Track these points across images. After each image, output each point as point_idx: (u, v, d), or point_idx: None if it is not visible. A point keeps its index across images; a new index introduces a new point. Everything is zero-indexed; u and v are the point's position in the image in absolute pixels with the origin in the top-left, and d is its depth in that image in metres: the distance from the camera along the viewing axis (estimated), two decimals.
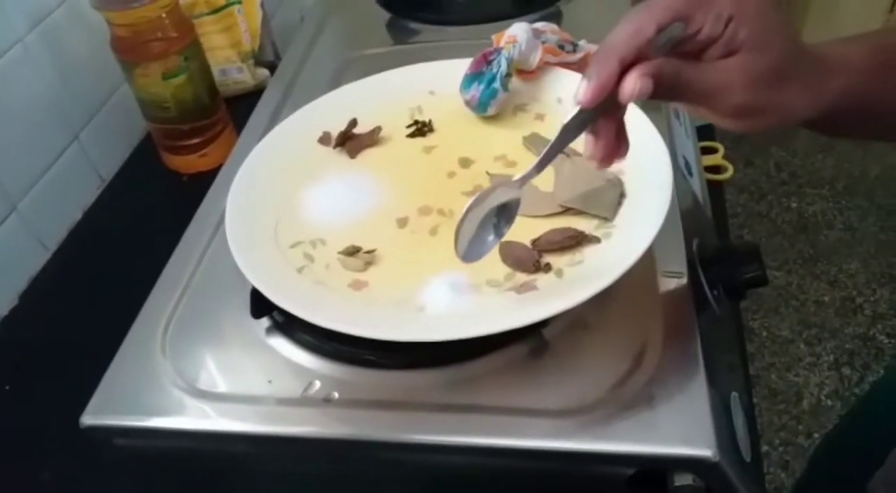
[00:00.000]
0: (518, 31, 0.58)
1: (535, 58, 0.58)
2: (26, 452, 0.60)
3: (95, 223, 0.81)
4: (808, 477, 0.80)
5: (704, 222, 0.62)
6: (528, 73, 0.59)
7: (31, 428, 0.61)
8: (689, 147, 0.66)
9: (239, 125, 0.79)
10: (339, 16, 0.85)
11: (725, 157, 0.85)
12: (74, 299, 0.72)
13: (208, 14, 0.89)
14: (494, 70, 0.57)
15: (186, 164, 0.83)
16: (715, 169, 0.84)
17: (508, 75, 0.57)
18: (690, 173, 0.62)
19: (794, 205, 1.93)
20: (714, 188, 0.73)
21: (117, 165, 0.87)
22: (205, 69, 0.80)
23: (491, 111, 0.57)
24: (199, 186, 0.62)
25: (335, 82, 0.63)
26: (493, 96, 0.57)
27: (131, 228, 0.78)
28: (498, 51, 0.57)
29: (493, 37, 0.60)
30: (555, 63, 0.60)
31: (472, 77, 0.58)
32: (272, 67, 0.94)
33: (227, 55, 0.92)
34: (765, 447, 1.44)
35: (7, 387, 0.64)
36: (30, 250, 0.75)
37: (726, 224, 0.76)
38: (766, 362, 1.59)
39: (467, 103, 0.58)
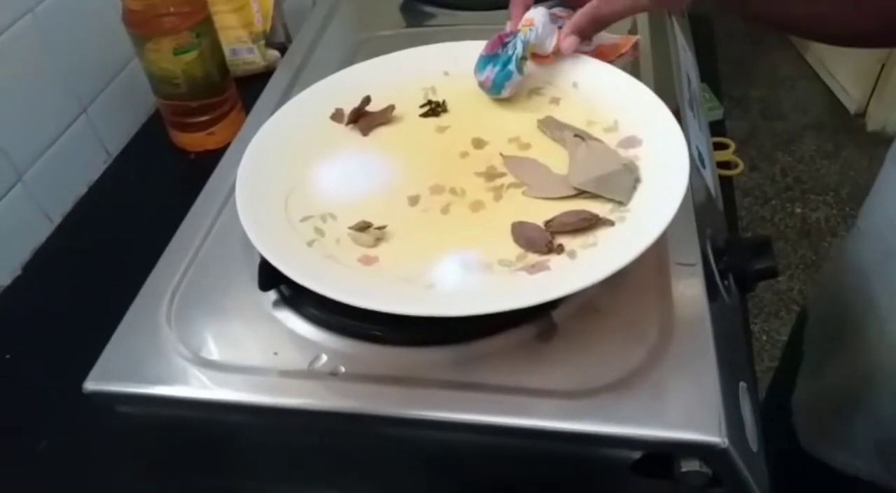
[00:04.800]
0: (535, 15, 0.57)
1: (552, 42, 0.57)
2: (24, 421, 0.59)
3: (100, 197, 0.81)
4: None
5: (716, 214, 0.61)
6: (544, 58, 0.58)
7: (31, 398, 0.61)
8: (702, 139, 0.66)
9: (248, 106, 0.79)
10: None
11: (736, 153, 0.85)
12: (77, 271, 0.72)
13: None
14: (510, 52, 0.56)
15: (194, 141, 0.83)
16: (725, 165, 0.83)
17: (524, 58, 0.56)
18: (704, 165, 0.62)
19: (797, 210, 1.93)
20: (724, 184, 0.72)
21: (124, 140, 0.87)
22: (216, 46, 0.80)
23: (505, 93, 0.57)
24: (205, 164, 0.62)
25: (346, 64, 0.63)
26: (507, 78, 0.56)
27: (136, 203, 0.78)
28: (514, 33, 0.57)
29: (509, 20, 0.60)
30: None
31: (487, 59, 0.57)
32: (283, 49, 0.94)
33: (238, 35, 0.92)
34: None
35: (7, 356, 0.64)
36: (34, 221, 0.75)
37: (736, 220, 0.76)
38: (766, 366, 1.58)
39: (481, 85, 0.58)
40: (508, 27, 0.58)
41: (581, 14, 0.55)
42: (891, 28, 0.51)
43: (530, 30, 0.57)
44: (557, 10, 0.61)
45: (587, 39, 0.57)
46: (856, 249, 0.66)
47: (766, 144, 2.13)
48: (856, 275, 0.64)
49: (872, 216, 0.65)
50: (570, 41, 0.55)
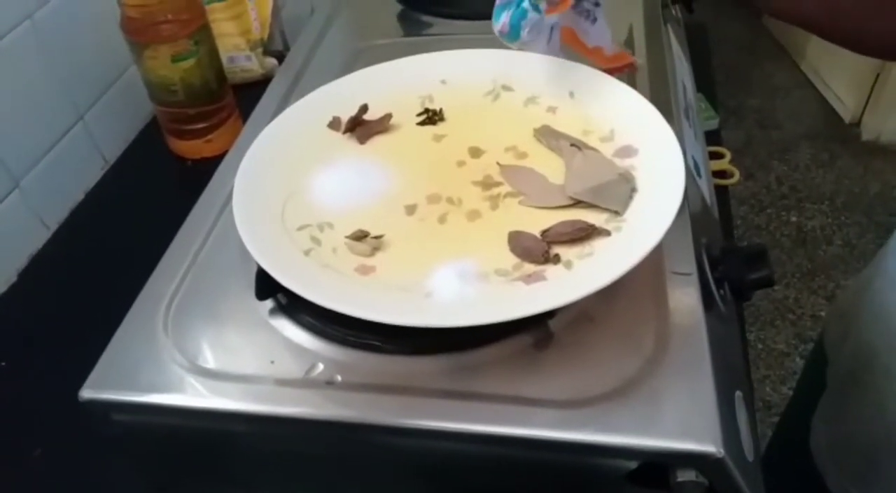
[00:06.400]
0: None
1: None
2: (20, 428, 0.59)
3: (97, 204, 0.81)
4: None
5: (712, 223, 0.61)
6: (560, 5, 0.56)
7: (26, 405, 0.61)
8: (698, 149, 0.66)
9: (245, 113, 0.79)
10: (350, 8, 0.85)
11: (732, 162, 0.85)
12: (73, 278, 0.72)
13: (219, 0, 0.89)
14: None
15: (191, 149, 0.83)
16: (721, 174, 0.83)
17: None
18: (699, 174, 0.62)
19: (793, 219, 1.94)
20: (719, 193, 0.72)
21: (122, 147, 0.87)
22: (214, 54, 0.80)
23: (525, 35, 0.53)
24: (202, 171, 0.62)
25: (344, 73, 0.63)
26: (523, 17, 0.53)
27: (133, 210, 0.78)
28: None
29: None
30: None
31: (501, 7, 0.55)
32: (280, 57, 0.94)
33: (235, 43, 0.92)
34: None
35: (3, 363, 0.64)
36: (30, 228, 0.75)
37: (731, 229, 0.76)
38: (761, 375, 1.59)
39: (500, 35, 0.55)
40: None
41: None
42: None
43: None
44: None
45: None
46: (882, 290, 0.64)
47: (762, 153, 2.14)
48: (880, 320, 0.63)
49: None
50: None
